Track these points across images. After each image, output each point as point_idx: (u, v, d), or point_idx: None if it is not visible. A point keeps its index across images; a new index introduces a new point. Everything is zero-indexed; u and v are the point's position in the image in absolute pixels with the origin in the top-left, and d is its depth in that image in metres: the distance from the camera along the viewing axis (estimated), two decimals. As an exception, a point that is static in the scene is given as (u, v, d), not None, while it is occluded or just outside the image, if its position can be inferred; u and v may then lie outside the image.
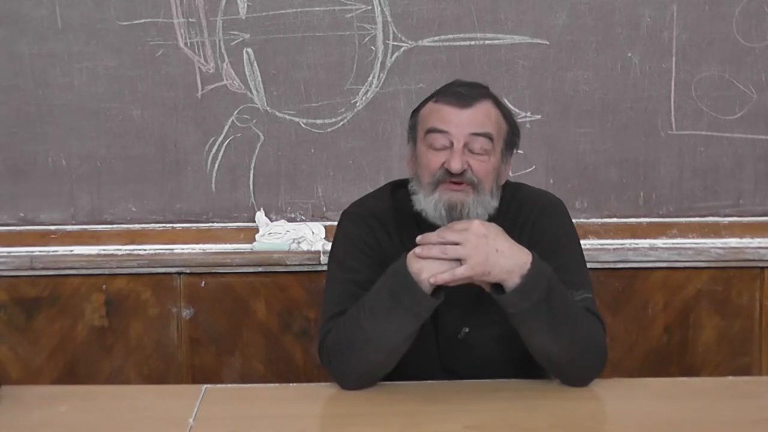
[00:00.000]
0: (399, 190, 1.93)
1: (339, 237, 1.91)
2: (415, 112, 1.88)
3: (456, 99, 1.78)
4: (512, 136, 1.85)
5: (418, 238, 1.70)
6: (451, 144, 1.76)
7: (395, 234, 1.77)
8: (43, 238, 2.59)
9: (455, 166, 1.74)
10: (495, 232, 1.69)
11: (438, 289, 1.68)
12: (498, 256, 1.65)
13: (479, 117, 1.78)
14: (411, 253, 1.69)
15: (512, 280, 1.65)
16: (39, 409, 1.70)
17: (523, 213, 1.87)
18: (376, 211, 1.89)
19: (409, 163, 1.89)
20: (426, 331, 1.83)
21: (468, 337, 1.85)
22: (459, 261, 1.65)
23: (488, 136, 1.78)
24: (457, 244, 1.66)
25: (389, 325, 1.69)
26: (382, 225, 1.86)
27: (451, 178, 1.76)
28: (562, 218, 1.90)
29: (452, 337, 1.86)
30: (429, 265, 1.66)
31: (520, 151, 1.88)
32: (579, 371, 1.76)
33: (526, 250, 1.68)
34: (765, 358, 2.60)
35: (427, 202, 1.78)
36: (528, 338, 1.72)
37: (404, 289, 1.67)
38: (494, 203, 1.80)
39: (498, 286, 1.68)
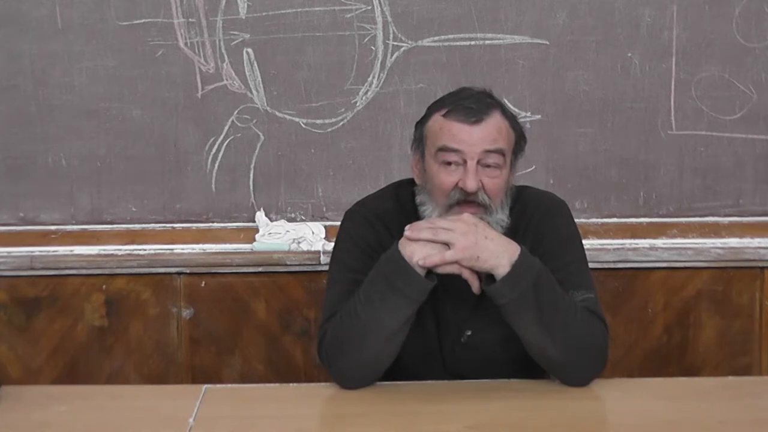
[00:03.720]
0: (402, 190, 1.94)
1: (341, 237, 1.91)
2: (421, 124, 1.86)
3: (466, 115, 1.77)
4: (519, 142, 1.85)
5: (408, 226, 1.71)
6: (464, 161, 1.76)
7: (398, 235, 1.77)
8: (43, 238, 2.59)
9: (470, 186, 1.75)
10: (485, 223, 1.73)
11: (431, 274, 1.70)
12: (487, 242, 1.68)
13: (491, 133, 1.77)
14: (402, 238, 1.71)
15: (503, 268, 1.67)
16: (39, 409, 1.70)
17: (527, 214, 1.87)
18: (379, 211, 1.89)
19: (414, 169, 1.89)
20: (428, 334, 1.84)
21: (471, 340, 1.86)
22: (449, 247, 1.68)
23: (501, 152, 1.78)
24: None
25: (385, 311, 1.69)
26: (386, 225, 1.87)
27: (466, 197, 1.76)
28: (564, 219, 1.91)
29: (455, 340, 1.86)
30: (420, 248, 1.68)
31: (519, 151, 1.89)
32: (577, 370, 1.76)
33: (516, 243, 1.71)
34: (765, 358, 2.60)
35: None
36: (521, 333, 1.73)
37: (398, 273, 1.68)
38: (505, 216, 1.81)
39: (489, 280, 1.69)
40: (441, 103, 1.84)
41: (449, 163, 1.77)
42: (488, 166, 1.77)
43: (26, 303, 2.56)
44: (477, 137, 1.76)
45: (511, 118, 1.84)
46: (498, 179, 1.79)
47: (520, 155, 1.87)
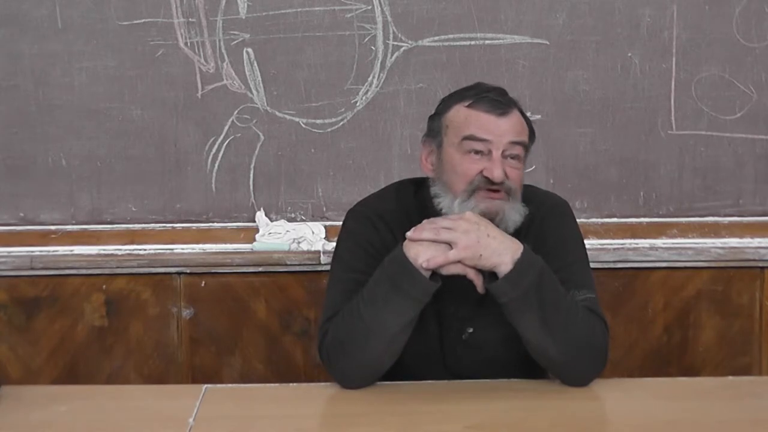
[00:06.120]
0: (403, 190, 1.94)
1: (343, 236, 1.91)
2: (439, 115, 1.87)
3: (493, 107, 1.79)
4: (530, 140, 1.87)
5: (412, 229, 1.71)
6: (489, 152, 1.77)
7: (400, 235, 1.77)
8: (43, 238, 2.59)
9: (497, 175, 1.76)
10: (487, 221, 1.73)
11: (435, 275, 1.70)
12: (489, 240, 1.68)
13: (517, 126, 1.80)
14: (406, 240, 1.71)
15: (505, 266, 1.67)
16: (39, 409, 1.70)
17: (530, 213, 1.87)
18: (381, 211, 1.89)
19: (425, 162, 1.89)
20: (430, 332, 1.84)
21: (472, 338, 1.86)
22: (453, 248, 1.68)
23: (524, 145, 1.81)
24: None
25: (389, 313, 1.69)
26: (388, 226, 1.87)
27: (490, 186, 1.77)
28: (567, 219, 1.91)
29: (456, 337, 1.86)
30: (425, 250, 1.68)
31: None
32: (577, 370, 1.76)
33: (518, 241, 1.71)
34: (765, 358, 2.60)
35: (462, 208, 1.77)
36: (523, 332, 1.73)
37: (402, 275, 1.68)
38: (524, 207, 1.82)
39: (492, 278, 1.69)
40: (461, 95, 1.85)
41: (474, 152, 1.78)
42: (510, 157, 1.79)
43: (26, 303, 2.56)
44: (504, 128, 1.78)
45: (526, 116, 1.86)
46: (519, 171, 1.81)
47: (527, 154, 1.88)
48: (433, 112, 1.91)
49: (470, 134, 1.78)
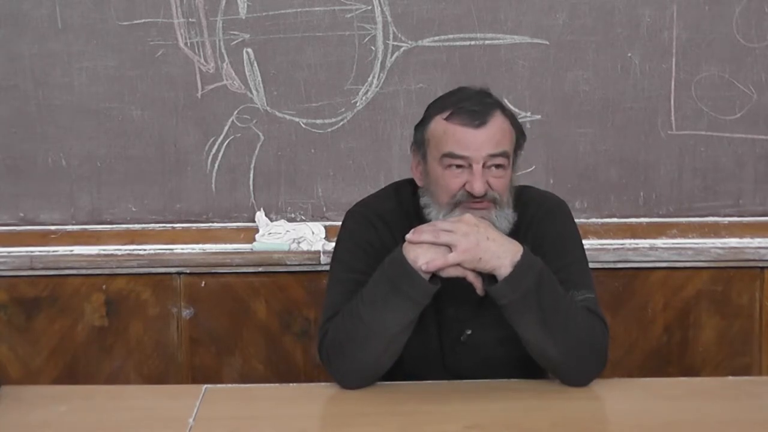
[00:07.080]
0: (402, 190, 1.94)
1: (343, 237, 1.91)
2: (421, 126, 1.85)
3: (470, 118, 1.77)
4: (519, 139, 1.85)
5: (411, 231, 1.71)
6: (470, 165, 1.76)
7: (399, 235, 1.77)
8: (43, 238, 2.59)
9: (478, 189, 1.75)
10: (486, 223, 1.72)
11: (435, 277, 1.70)
12: (489, 243, 1.68)
13: (496, 136, 1.78)
14: (406, 242, 1.71)
15: (504, 269, 1.67)
16: (39, 409, 1.70)
17: (528, 214, 1.87)
18: (380, 211, 1.89)
19: (414, 171, 1.89)
20: (429, 333, 1.84)
21: (471, 339, 1.86)
22: (452, 250, 1.68)
23: (505, 155, 1.79)
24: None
25: (388, 314, 1.69)
26: (387, 226, 1.87)
27: (472, 199, 1.76)
28: (565, 219, 1.91)
29: (455, 338, 1.86)
30: (425, 252, 1.68)
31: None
32: (577, 370, 1.76)
33: (518, 243, 1.70)
34: (765, 358, 2.60)
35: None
36: (522, 333, 1.73)
37: (402, 276, 1.68)
38: (512, 213, 1.82)
39: (491, 280, 1.69)
40: (441, 105, 1.83)
41: (455, 167, 1.77)
42: (493, 167, 1.78)
43: (26, 303, 2.56)
44: (481, 141, 1.76)
45: (511, 116, 1.84)
46: (503, 179, 1.79)
47: (520, 152, 1.87)
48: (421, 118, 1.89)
49: (448, 151, 1.77)
